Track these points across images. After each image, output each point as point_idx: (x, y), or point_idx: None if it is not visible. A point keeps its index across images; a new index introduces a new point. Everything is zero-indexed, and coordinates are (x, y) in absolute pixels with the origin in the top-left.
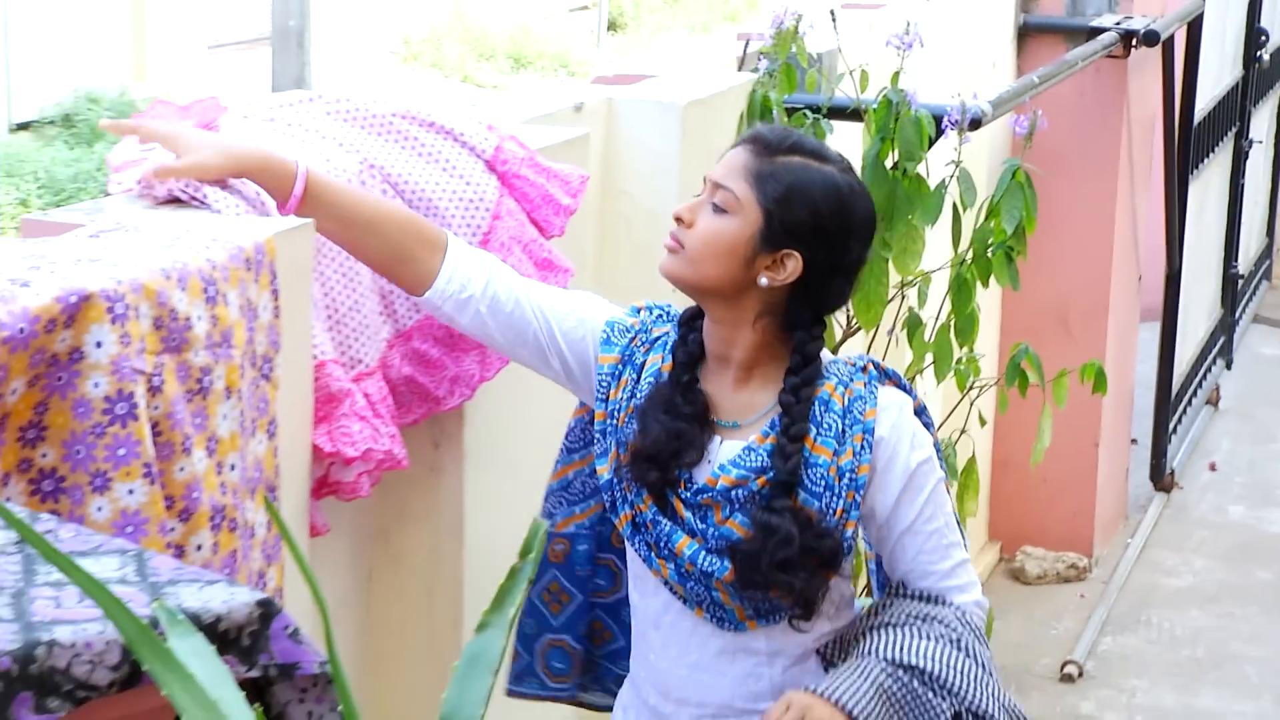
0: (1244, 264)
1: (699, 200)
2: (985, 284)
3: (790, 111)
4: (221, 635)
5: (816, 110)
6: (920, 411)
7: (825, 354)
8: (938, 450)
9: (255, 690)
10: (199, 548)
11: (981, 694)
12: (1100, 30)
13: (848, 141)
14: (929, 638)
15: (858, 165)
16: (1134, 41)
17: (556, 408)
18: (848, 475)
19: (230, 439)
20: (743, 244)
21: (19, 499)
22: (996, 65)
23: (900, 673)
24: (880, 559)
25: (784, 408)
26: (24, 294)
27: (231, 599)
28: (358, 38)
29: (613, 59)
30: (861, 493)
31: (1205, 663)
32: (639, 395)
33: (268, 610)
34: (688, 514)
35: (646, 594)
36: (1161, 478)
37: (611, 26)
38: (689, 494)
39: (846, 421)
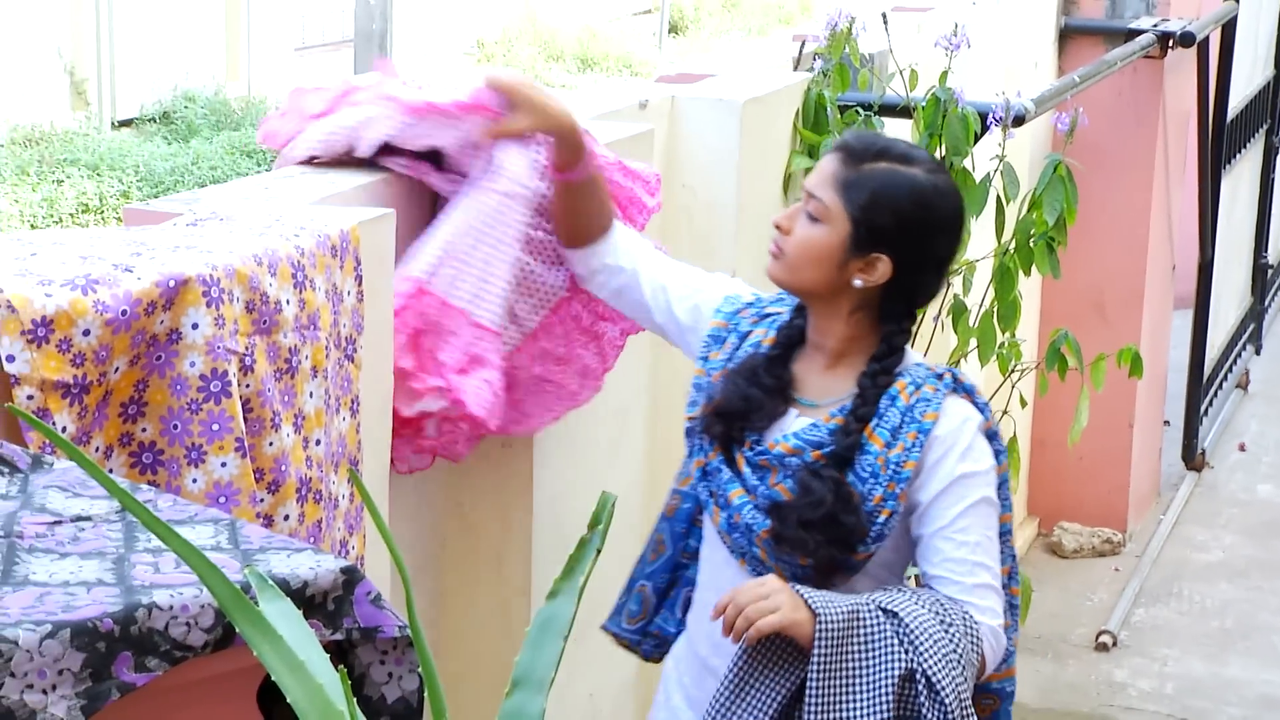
0: (1273, 254)
1: (797, 208)
2: (1027, 272)
3: (843, 109)
4: (308, 600)
5: (868, 107)
6: (992, 437)
7: (913, 355)
8: (1003, 482)
9: (339, 652)
10: (286, 518)
11: (942, 666)
12: (1138, 32)
13: (898, 137)
14: (920, 605)
15: None
16: (1170, 43)
17: (623, 388)
18: (893, 467)
19: (316, 416)
20: (834, 251)
21: (120, 471)
22: (1039, 65)
23: (878, 611)
24: None
25: (860, 390)
26: (126, 278)
27: (318, 566)
28: (435, 40)
29: (674, 60)
30: (903, 486)
31: (1234, 633)
32: (735, 360)
33: (351, 577)
34: (747, 470)
35: (711, 549)
36: (1193, 457)
37: (673, 29)
38: (751, 453)
39: (906, 419)
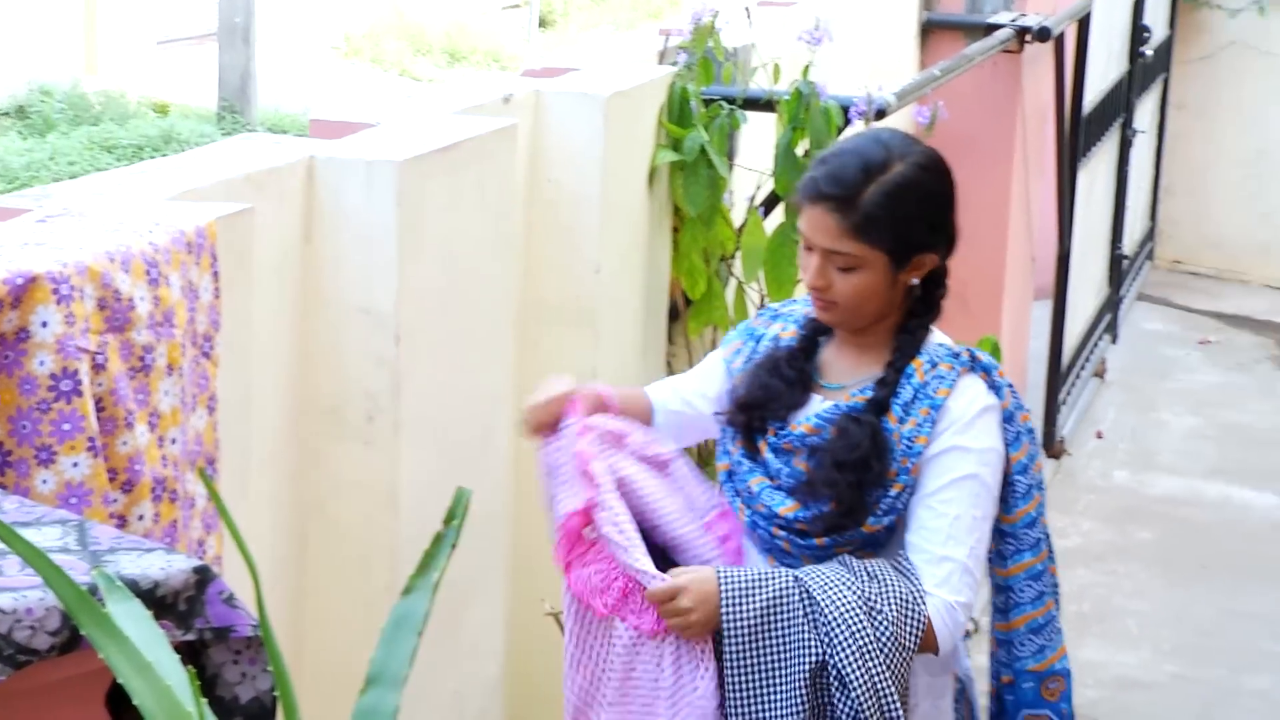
0: (1129, 245)
1: (815, 262)
2: None
3: (707, 102)
4: (159, 601)
5: (732, 101)
6: (1009, 419)
7: (938, 336)
8: (1022, 469)
9: (191, 653)
10: (141, 518)
11: (855, 658)
12: (997, 26)
13: (762, 131)
14: (849, 590)
15: (770, 153)
16: (1028, 37)
17: (489, 380)
18: (905, 442)
19: (172, 414)
20: (882, 282)
21: None
22: (901, 59)
23: (800, 599)
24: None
25: (899, 343)
26: None
27: (169, 566)
28: (301, 34)
29: (543, 54)
30: (915, 460)
31: (1090, 617)
32: (755, 357)
33: (204, 576)
34: (769, 456)
35: (748, 551)
36: (1052, 445)
37: (542, 23)
38: (774, 439)
39: (919, 395)
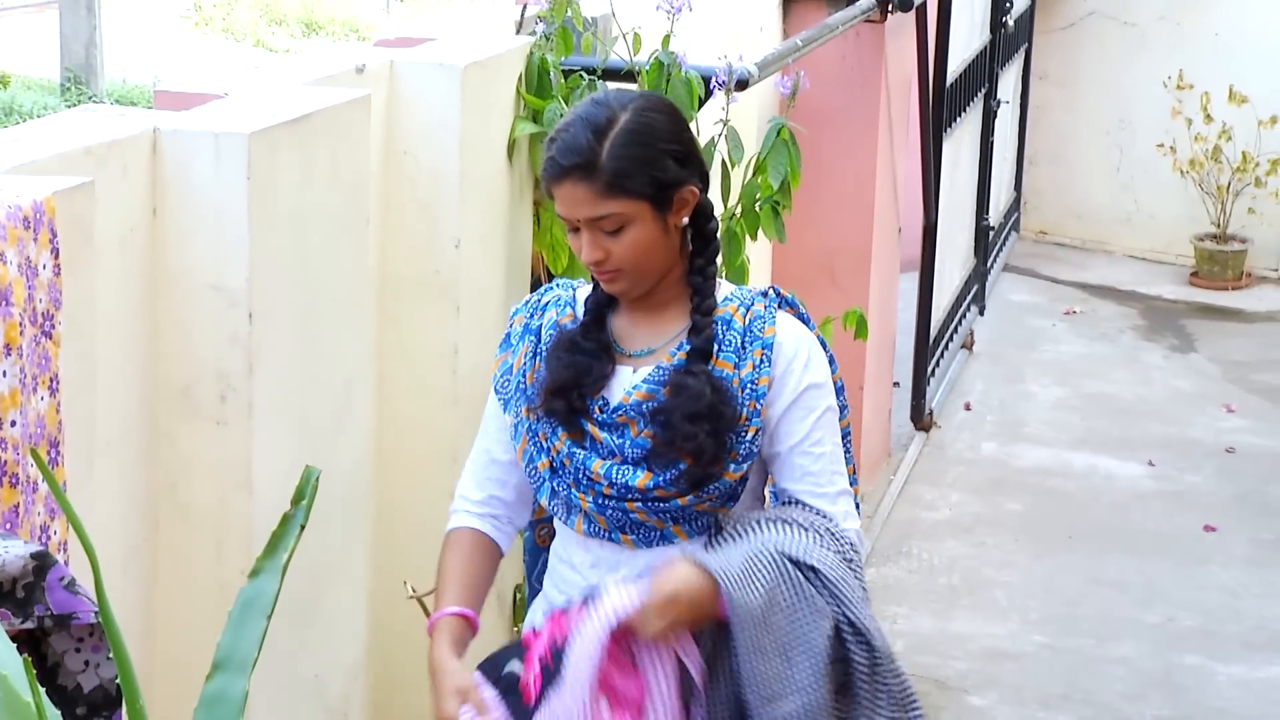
0: (994, 216)
1: (585, 238)
2: (754, 237)
3: (567, 73)
4: None
5: (592, 72)
6: (822, 345)
7: (727, 284)
8: (839, 390)
9: (32, 641)
10: None
11: (862, 610)
12: None
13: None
14: (825, 547)
15: None
16: (890, 7)
17: (345, 359)
18: (749, 386)
19: (11, 395)
20: (654, 230)
21: None
22: (763, 29)
23: (792, 568)
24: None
25: (693, 288)
26: None
27: (6, 552)
28: (149, 2)
29: (401, 23)
30: (762, 401)
31: (960, 589)
32: (542, 350)
33: (43, 562)
34: (605, 435)
35: (569, 545)
36: (921, 418)
37: None
38: (605, 416)
39: (747, 338)
